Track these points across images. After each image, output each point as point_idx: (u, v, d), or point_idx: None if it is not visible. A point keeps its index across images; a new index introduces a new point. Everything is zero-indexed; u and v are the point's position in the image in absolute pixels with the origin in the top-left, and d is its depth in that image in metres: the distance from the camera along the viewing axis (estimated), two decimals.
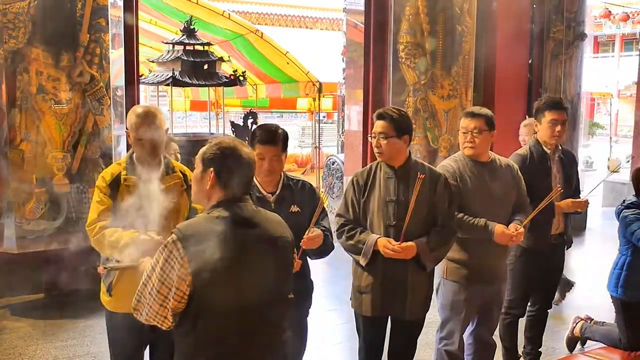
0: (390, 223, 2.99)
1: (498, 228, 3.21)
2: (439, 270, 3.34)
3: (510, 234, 3.23)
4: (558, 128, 3.69)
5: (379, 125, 3.04)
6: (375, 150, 3.09)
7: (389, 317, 3.13)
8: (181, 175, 2.92)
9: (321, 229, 2.89)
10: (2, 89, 4.85)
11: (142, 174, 2.81)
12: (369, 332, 3.16)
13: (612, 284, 3.85)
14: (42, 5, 4.85)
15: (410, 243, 2.92)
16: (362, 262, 3.00)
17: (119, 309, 2.86)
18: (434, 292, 3.31)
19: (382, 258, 2.96)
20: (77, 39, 4.99)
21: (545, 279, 3.89)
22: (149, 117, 2.81)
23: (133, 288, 2.80)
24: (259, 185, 2.87)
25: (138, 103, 5.71)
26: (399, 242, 2.91)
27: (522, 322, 4.01)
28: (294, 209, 2.89)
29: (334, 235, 3.07)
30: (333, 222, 3.10)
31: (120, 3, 5.37)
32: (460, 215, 3.23)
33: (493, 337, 3.55)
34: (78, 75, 5.02)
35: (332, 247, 3.01)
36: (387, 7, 6.67)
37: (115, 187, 2.81)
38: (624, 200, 3.79)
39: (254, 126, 8.72)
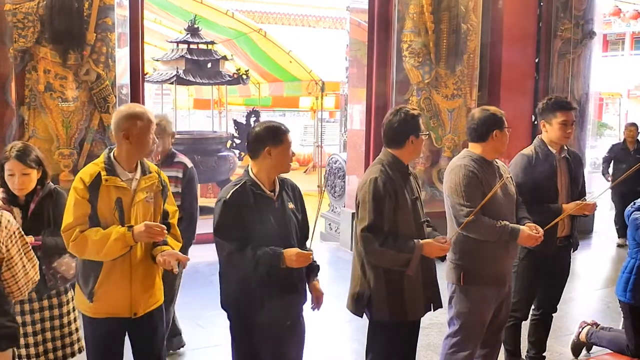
0: (420, 220, 3.03)
1: (523, 231, 3.19)
2: (444, 276, 3.31)
3: (536, 236, 3.21)
4: (569, 129, 3.68)
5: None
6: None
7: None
8: (157, 176, 2.91)
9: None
10: (11, 87, 4.94)
11: (122, 174, 2.79)
12: (410, 335, 3.10)
13: (620, 288, 3.76)
14: (50, 5, 4.91)
15: (448, 237, 3.05)
16: (412, 272, 2.91)
17: (101, 314, 2.80)
18: (448, 301, 3.30)
19: (421, 259, 2.93)
20: (84, 38, 5.04)
21: (550, 282, 3.83)
22: (142, 117, 2.78)
23: (117, 291, 2.76)
24: (261, 184, 2.80)
25: (143, 101, 5.74)
26: (444, 240, 2.98)
27: (525, 326, 3.96)
28: (291, 206, 2.87)
29: (366, 249, 2.91)
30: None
31: (126, 2, 5.38)
32: (476, 216, 3.08)
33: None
34: (85, 73, 5.08)
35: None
36: (391, 6, 6.65)
37: (96, 188, 2.72)
38: (634, 203, 3.74)
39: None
